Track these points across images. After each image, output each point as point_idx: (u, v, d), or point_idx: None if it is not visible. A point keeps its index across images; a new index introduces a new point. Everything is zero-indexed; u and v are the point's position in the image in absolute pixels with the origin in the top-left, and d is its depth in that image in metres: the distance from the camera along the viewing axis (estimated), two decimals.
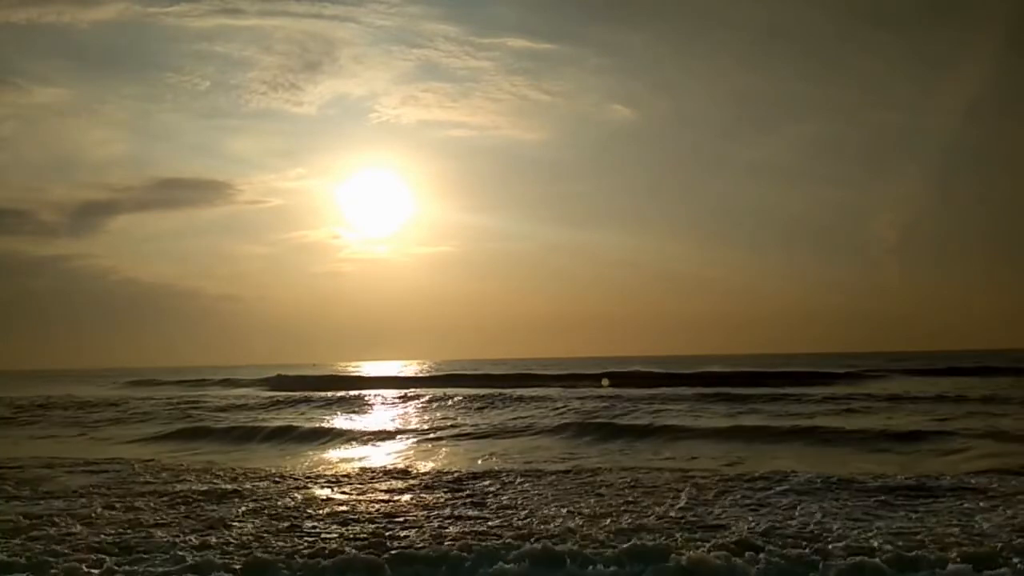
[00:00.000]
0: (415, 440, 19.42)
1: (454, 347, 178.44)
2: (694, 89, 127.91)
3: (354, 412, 27.55)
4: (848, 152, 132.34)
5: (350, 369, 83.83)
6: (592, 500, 10.82)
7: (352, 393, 36.12)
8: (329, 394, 35.22)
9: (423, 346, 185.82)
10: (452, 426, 21.69)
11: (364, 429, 21.69)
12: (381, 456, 16.93)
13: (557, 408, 25.53)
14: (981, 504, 9.98)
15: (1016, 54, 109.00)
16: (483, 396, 30.40)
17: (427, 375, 59.41)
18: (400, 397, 32.78)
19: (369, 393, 36.21)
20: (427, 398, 31.70)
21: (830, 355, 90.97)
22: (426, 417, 25.26)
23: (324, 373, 58.41)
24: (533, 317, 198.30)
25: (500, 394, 30.92)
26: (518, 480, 12.53)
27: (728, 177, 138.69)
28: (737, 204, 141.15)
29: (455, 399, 30.17)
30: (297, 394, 36.01)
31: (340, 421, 24.54)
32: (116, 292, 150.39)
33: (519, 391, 33.15)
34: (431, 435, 20.06)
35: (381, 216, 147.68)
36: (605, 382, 40.31)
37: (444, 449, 17.83)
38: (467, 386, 39.26)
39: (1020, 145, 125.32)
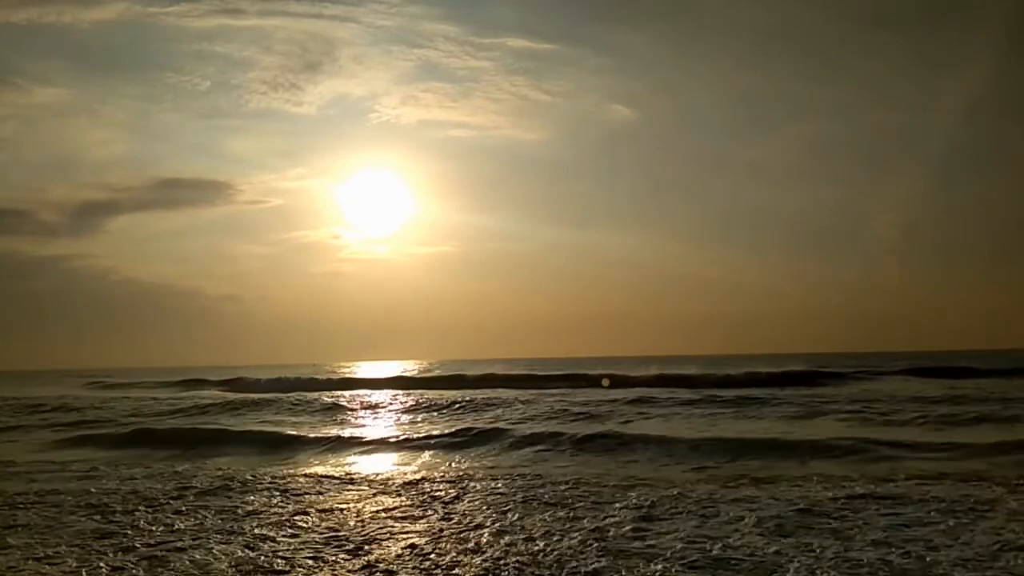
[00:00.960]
0: (326, 448, 17.88)
1: (454, 347, 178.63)
2: (694, 89, 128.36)
3: (291, 415, 26.00)
4: (848, 152, 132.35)
5: (342, 370, 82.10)
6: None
7: (310, 396, 34.55)
8: (284, 396, 33.73)
9: (423, 346, 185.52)
10: (380, 434, 20.04)
11: (287, 434, 20.18)
12: (284, 465, 15.48)
13: (527, 413, 24.06)
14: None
15: (1016, 54, 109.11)
16: (452, 400, 28.68)
17: (412, 376, 57.98)
18: (362, 400, 31.28)
19: (330, 395, 34.64)
20: (390, 401, 30.23)
21: (829, 355, 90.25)
22: (369, 422, 23.73)
23: (297, 375, 56.39)
24: (533, 317, 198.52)
25: (470, 398, 29.27)
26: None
27: (728, 177, 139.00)
28: (737, 204, 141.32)
29: (418, 403, 28.58)
30: (251, 396, 34.61)
31: (268, 425, 22.92)
32: (116, 292, 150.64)
33: (497, 392, 31.89)
34: (353, 442, 18.54)
35: (381, 216, 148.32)
36: (605, 382, 39.30)
37: (346, 459, 16.40)
38: (450, 388, 37.66)
39: (1020, 145, 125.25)
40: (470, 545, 8.11)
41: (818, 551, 7.61)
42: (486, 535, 8.51)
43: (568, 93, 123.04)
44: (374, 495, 11.25)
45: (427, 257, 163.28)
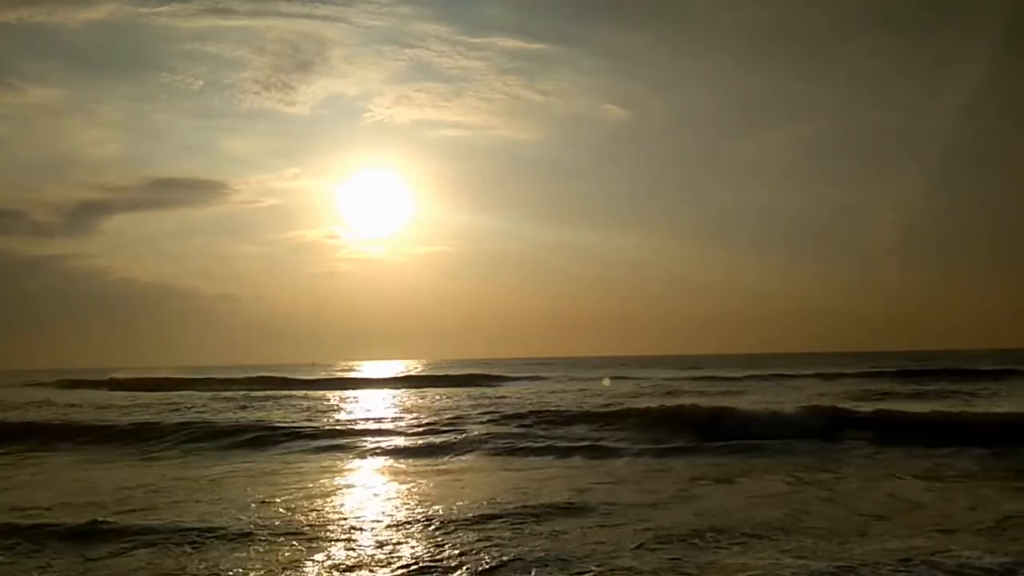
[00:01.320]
0: None
1: (453, 347, 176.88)
2: (691, 89, 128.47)
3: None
4: (848, 152, 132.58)
5: (335, 371, 79.53)
6: None
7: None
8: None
9: (422, 346, 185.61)
10: None
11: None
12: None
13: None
14: None
15: (1016, 54, 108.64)
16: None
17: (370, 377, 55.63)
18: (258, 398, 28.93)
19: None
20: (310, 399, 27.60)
21: (829, 354, 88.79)
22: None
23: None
24: (532, 317, 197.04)
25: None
26: None
27: (727, 177, 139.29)
28: (737, 204, 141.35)
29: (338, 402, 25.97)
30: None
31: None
32: (112, 292, 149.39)
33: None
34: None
35: (378, 216, 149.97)
36: (606, 382, 38.59)
37: None
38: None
39: (1020, 145, 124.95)
40: None
41: None
42: None
43: (561, 93, 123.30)
44: None
45: (425, 257, 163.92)
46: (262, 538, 8.02)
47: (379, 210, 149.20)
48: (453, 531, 8.19)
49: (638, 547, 7.40)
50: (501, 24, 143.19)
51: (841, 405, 18.34)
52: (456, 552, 7.33)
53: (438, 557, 7.17)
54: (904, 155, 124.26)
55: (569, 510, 9.21)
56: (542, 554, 7.16)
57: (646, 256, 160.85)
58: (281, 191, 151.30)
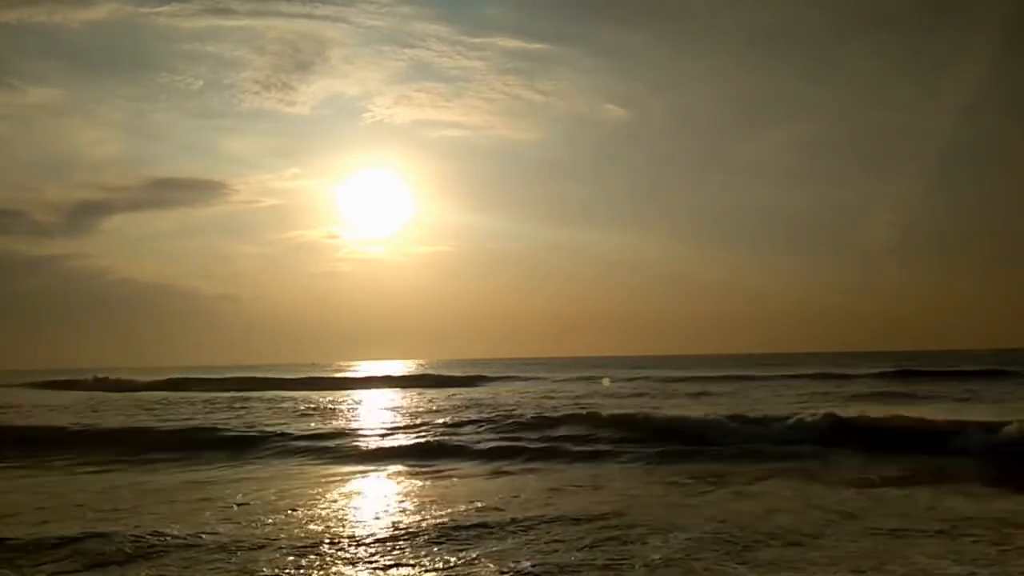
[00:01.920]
0: None
1: (453, 347, 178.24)
2: (692, 89, 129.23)
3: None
4: (848, 152, 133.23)
5: (331, 372, 79.77)
6: None
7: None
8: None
9: (422, 346, 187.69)
10: None
11: None
12: None
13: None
14: None
15: (1016, 54, 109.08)
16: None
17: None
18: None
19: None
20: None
21: (829, 355, 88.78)
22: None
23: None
24: (532, 317, 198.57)
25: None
26: None
27: (728, 177, 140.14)
28: (737, 204, 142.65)
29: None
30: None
31: None
32: (112, 292, 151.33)
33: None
34: None
35: (378, 216, 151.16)
36: (606, 382, 38.56)
37: None
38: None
39: (1020, 145, 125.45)
40: None
41: None
42: None
43: (561, 93, 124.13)
44: None
45: (425, 257, 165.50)
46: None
47: (379, 210, 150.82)
48: (397, 541, 8.14)
49: (585, 548, 7.37)
50: (501, 24, 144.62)
51: (829, 410, 18.06)
52: (393, 562, 7.33)
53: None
54: (904, 155, 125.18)
55: (535, 516, 9.10)
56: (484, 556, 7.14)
57: (646, 256, 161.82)
58: (281, 191, 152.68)
